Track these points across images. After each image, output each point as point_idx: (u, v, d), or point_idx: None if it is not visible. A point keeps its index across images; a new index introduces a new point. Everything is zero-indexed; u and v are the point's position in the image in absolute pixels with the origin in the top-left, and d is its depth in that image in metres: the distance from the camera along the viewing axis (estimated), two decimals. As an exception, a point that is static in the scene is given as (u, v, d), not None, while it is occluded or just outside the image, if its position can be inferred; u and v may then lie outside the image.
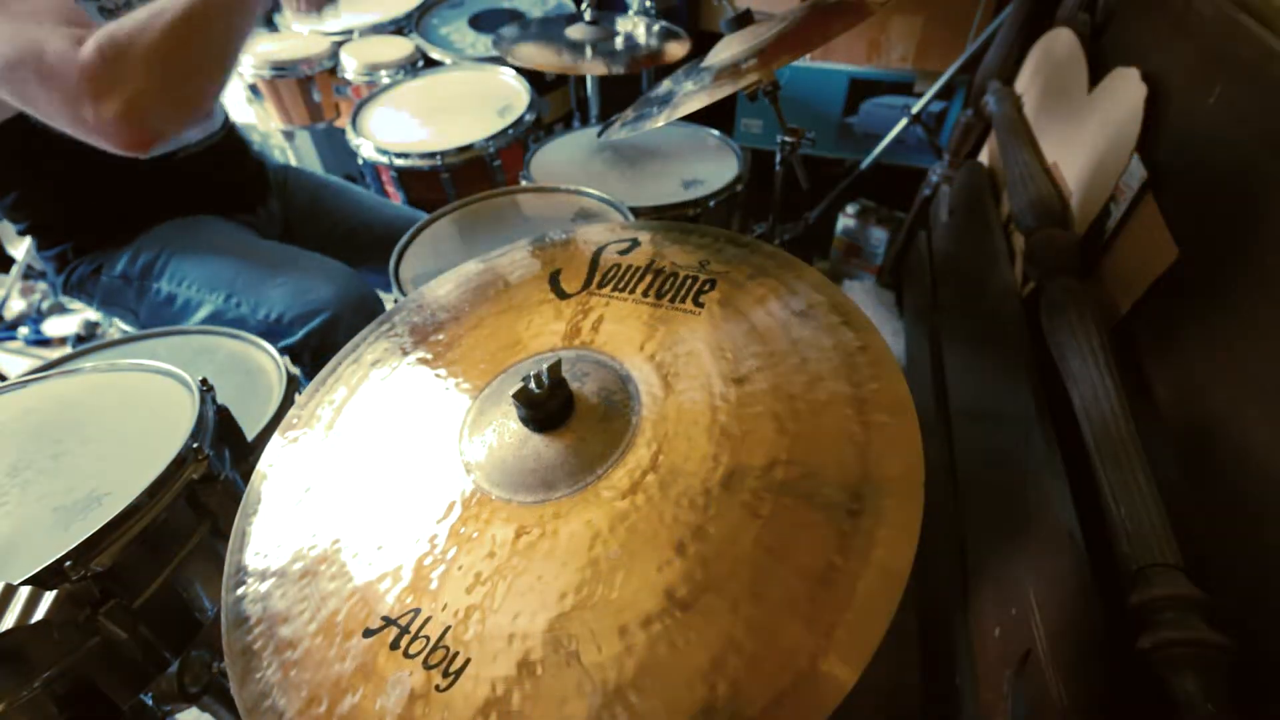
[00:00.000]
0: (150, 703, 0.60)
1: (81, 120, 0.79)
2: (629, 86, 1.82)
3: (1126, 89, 0.91)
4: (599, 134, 0.91)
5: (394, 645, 0.40)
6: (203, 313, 1.05)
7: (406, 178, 1.33)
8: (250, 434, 0.70)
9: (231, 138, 1.21)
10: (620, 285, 0.58)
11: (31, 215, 1.05)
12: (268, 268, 1.06)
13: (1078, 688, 0.60)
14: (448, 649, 0.39)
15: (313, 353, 1.02)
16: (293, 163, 1.96)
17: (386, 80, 1.54)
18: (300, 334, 1.01)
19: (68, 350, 1.83)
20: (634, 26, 1.47)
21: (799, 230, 1.87)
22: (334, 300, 1.02)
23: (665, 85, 0.97)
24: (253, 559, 0.47)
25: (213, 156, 1.15)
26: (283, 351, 0.83)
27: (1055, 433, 0.79)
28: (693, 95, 0.80)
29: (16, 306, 2.02)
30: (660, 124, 0.80)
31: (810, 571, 0.36)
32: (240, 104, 1.74)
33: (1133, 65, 0.92)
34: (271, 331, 1.01)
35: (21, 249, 1.98)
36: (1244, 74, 0.72)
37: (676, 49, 1.40)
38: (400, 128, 1.34)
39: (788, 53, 0.81)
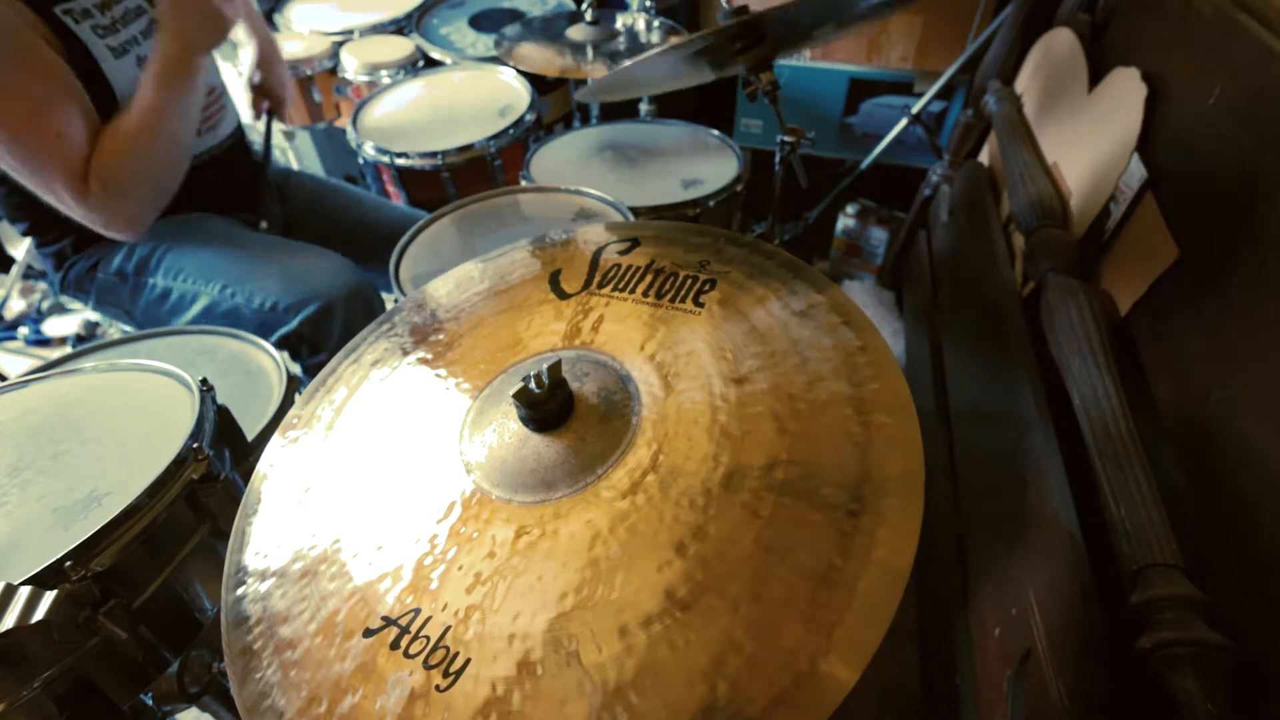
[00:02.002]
0: (150, 703, 0.60)
1: (90, 225, 0.93)
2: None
3: (1126, 89, 0.91)
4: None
5: (394, 645, 0.40)
6: (198, 305, 1.05)
7: (407, 177, 1.33)
8: (250, 434, 0.70)
9: (239, 142, 1.22)
10: (620, 285, 0.58)
11: (32, 212, 1.05)
12: (262, 257, 1.07)
13: (1078, 688, 0.60)
14: (448, 649, 0.39)
15: (309, 344, 1.02)
16: (293, 163, 1.97)
17: (387, 80, 1.53)
18: (295, 322, 1.01)
19: (68, 350, 1.83)
20: (634, 22, 1.46)
21: (799, 230, 1.87)
22: (329, 288, 1.02)
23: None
24: (253, 559, 0.47)
25: (219, 161, 1.15)
26: (279, 343, 0.83)
27: (1055, 433, 0.79)
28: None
29: (16, 306, 2.02)
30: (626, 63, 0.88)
31: (810, 571, 0.36)
32: (241, 104, 1.74)
33: (1133, 65, 0.92)
34: (267, 321, 1.01)
35: (22, 249, 1.98)
36: (1244, 74, 0.72)
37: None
38: (400, 127, 1.34)
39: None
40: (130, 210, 0.94)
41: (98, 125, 0.90)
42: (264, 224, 1.21)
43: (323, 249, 1.12)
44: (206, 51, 0.96)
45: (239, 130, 1.23)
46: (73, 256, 1.10)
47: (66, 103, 0.87)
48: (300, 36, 1.71)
